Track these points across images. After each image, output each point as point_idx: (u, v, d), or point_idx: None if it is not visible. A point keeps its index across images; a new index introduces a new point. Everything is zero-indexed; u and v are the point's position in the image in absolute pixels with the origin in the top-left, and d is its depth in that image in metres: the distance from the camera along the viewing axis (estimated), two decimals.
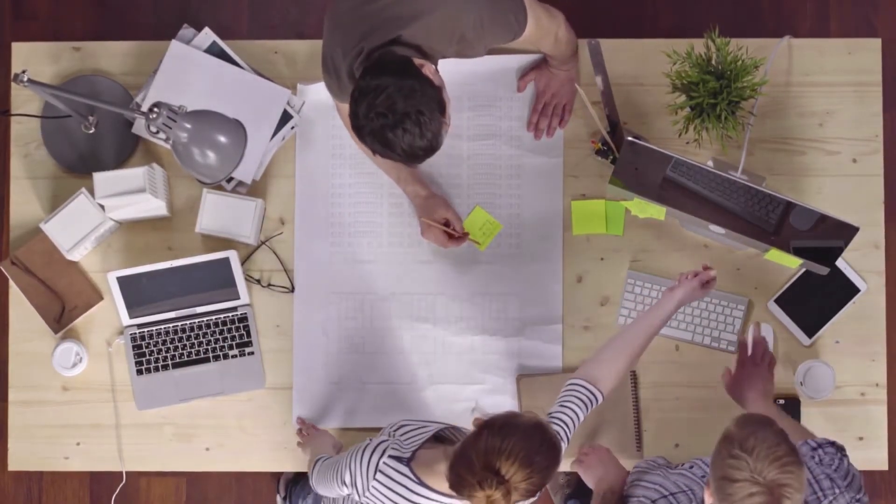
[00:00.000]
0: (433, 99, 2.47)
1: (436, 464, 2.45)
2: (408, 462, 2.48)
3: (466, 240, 2.97)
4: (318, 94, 3.04)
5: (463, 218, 3.02)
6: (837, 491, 2.47)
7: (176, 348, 2.99)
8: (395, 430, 2.57)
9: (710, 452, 2.97)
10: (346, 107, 2.68)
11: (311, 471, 2.73)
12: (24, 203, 3.04)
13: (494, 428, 2.31)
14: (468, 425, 2.98)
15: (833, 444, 2.54)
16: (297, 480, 3.50)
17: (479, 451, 2.29)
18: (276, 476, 3.57)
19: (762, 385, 2.80)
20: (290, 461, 3.00)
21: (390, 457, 2.48)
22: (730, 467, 2.25)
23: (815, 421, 2.98)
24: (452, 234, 2.95)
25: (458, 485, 2.31)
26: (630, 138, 2.73)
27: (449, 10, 2.55)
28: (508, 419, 2.33)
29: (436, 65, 2.60)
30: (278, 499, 3.53)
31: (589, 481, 2.79)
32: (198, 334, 3.00)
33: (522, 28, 2.66)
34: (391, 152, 2.49)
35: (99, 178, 2.89)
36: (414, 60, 2.49)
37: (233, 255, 2.96)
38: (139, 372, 2.99)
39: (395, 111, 2.44)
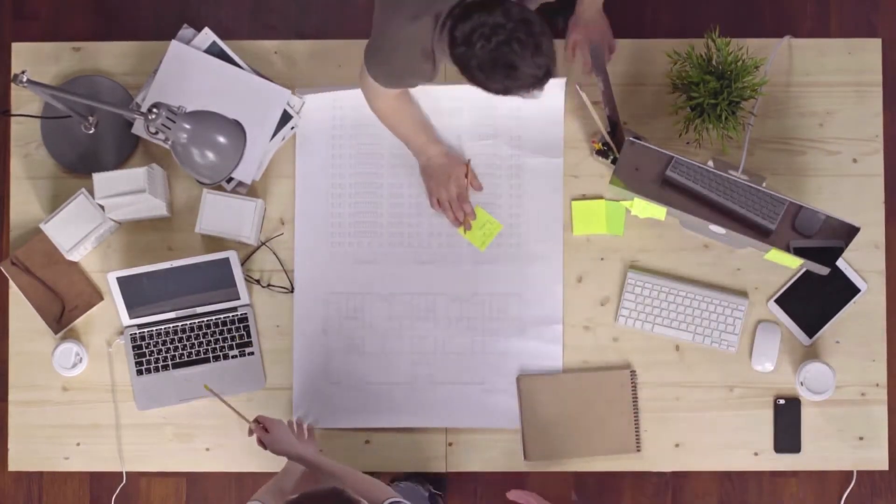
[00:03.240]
0: (533, 13, 2.37)
1: None
2: None
3: (470, 223, 2.99)
4: (317, 94, 3.03)
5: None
6: None
7: (176, 348, 2.99)
8: None
9: (707, 452, 2.97)
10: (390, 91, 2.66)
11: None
12: (24, 203, 3.04)
13: None
14: (467, 425, 2.98)
15: None
16: None
17: None
18: None
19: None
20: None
21: None
22: None
23: (816, 421, 2.98)
24: (459, 221, 2.97)
25: None
26: (630, 138, 2.73)
27: None
28: (299, 498, 2.22)
29: None
30: None
31: None
32: (198, 334, 3.00)
33: None
34: (514, 75, 2.35)
35: (99, 178, 2.89)
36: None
37: (233, 256, 2.96)
38: (139, 372, 2.99)
39: (502, 26, 2.32)
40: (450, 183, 2.97)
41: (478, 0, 2.41)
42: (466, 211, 2.99)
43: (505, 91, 2.40)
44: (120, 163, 3.04)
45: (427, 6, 2.50)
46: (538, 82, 2.40)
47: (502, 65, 2.35)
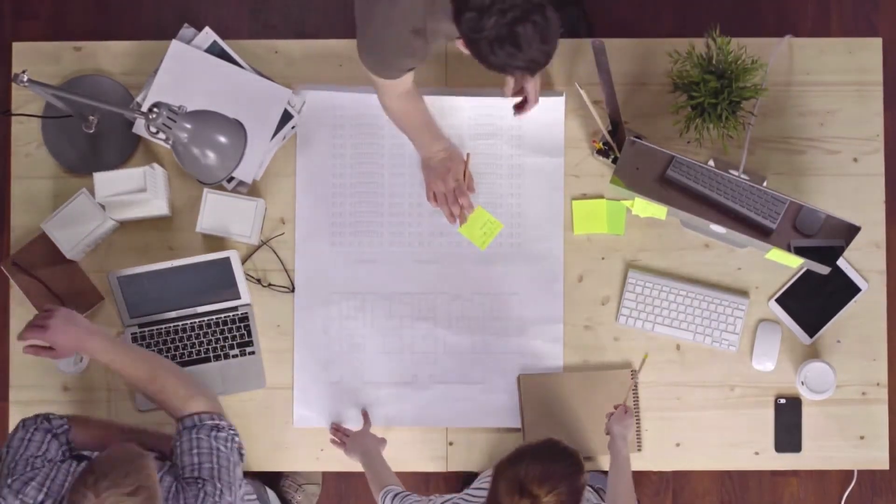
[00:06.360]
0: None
1: None
2: None
3: (467, 217, 2.99)
4: (317, 93, 3.03)
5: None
6: None
7: (177, 348, 2.99)
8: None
9: (708, 452, 2.97)
10: (391, 82, 2.66)
11: (381, 498, 2.74)
12: (24, 203, 3.04)
13: (505, 463, 2.38)
14: (468, 425, 2.98)
15: None
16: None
17: (506, 482, 2.34)
18: (278, 475, 3.57)
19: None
20: (289, 461, 3.00)
21: None
22: (76, 502, 2.25)
23: (816, 420, 2.98)
24: (455, 215, 2.97)
25: None
26: (631, 138, 2.73)
27: None
28: (515, 452, 2.39)
29: None
30: None
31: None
32: (198, 334, 3.00)
33: None
34: (517, 55, 2.34)
35: (99, 178, 2.89)
36: None
37: (233, 255, 2.96)
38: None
39: (519, 5, 2.30)
40: (448, 177, 2.97)
41: None
42: (462, 205, 2.98)
43: (501, 68, 2.38)
44: (121, 162, 3.04)
45: None
46: (536, 67, 2.39)
47: (510, 42, 2.33)
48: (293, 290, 3.02)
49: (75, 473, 2.43)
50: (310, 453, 3.00)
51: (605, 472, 2.97)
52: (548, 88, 3.04)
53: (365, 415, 2.97)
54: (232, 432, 2.56)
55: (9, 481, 2.40)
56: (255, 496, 2.83)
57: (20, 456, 2.43)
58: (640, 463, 2.99)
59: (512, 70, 2.39)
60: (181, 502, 2.43)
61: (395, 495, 2.71)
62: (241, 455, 2.57)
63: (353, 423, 2.99)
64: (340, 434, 2.95)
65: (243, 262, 3.02)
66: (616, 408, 2.88)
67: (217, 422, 2.56)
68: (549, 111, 3.01)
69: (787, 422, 2.98)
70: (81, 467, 2.44)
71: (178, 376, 2.62)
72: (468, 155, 3.00)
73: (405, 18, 2.51)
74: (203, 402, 2.59)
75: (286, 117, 3.02)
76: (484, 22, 2.32)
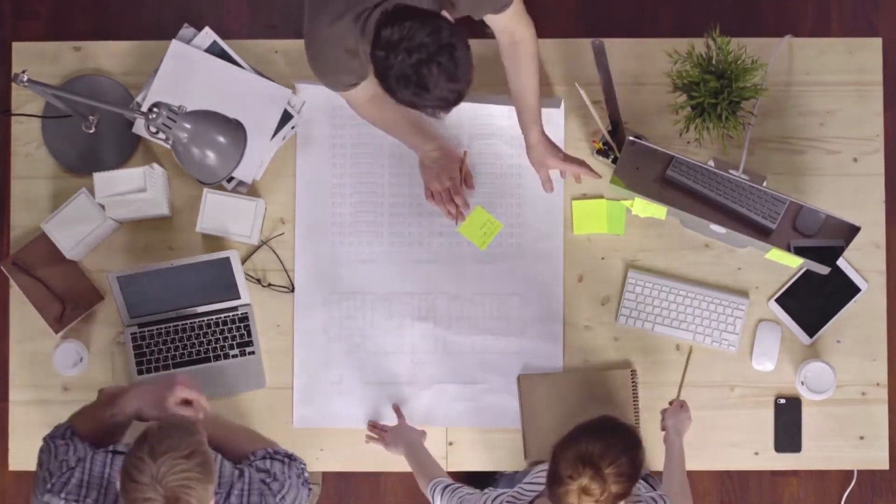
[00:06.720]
0: (461, 36, 2.38)
1: None
2: None
3: (465, 215, 2.99)
4: (317, 93, 3.04)
5: (464, 218, 3.02)
6: None
7: (177, 348, 2.99)
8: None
9: (708, 452, 2.97)
10: (354, 93, 2.69)
11: (430, 490, 2.75)
12: (24, 203, 3.04)
13: (563, 443, 2.41)
14: (468, 425, 2.98)
15: None
16: None
17: (567, 460, 2.38)
18: None
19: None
20: None
21: None
22: (133, 467, 2.27)
23: (816, 420, 2.98)
24: (451, 214, 2.97)
25: (552, 490, 2.39)
26: (631, 138, 2.73)
27: None
28: (573, 430, 2.43)
29: (446, 9, 2.56)
30: None
31: None
32: (198, 334, 3.00)
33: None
34: (424, 95, 2.38)
35: (99, 177, 2.89)
36: (429, 9, 2.44)
37: (233, 255, 2.96)
38: (140, 372, 2.99)
39: (426, 46, 2.34)
40: (442, 176, 2.97)
41: (413, 6, 2.43)
42: (458, 203, 2.98)
43: (412, 105, 2.43)
44: (120, 162, 3.03)
45: (347, 8, 2.50)
46: (447, 105, 2.43)
47: (415, 83, 2.38)
48: (293, 290, 3.02)
49: (110, 462, 2.46)
50: (310, 453, 3.00)
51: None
52: (547, 89, 3.04)
53: (397, 409, 2.98)
54: (303, 465, 2.58)
55: (48, 486, 2.44)
56: None
57: (51, 464, 2.48)
58: None
59: (422, 108, 2.43)
60: (245, 485, 2.48)
61: (445, 487, 2.71)
62: (307, 488, 2.59)
63: (354, 423, 2.99)
64: (378, 430, 2.96)
65: (243, 262, 3.02)
66: (671, 403, 2.89)
67: (289, 452, 2.58)
68: (548, 114, 3.01)
69: (787, 422, 2.98)
70: (117, 454, 2.47)
71: (241, 425, 2.67)
72: (465, 153, 3.00)
73: (340, 39, 2.54)
74: (268, 441, 2.64)
75: (286, 117, 3.02)
76: (391, 61, 2.36)
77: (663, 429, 2.87)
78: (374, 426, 2.97)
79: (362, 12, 2.48)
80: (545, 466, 2.54)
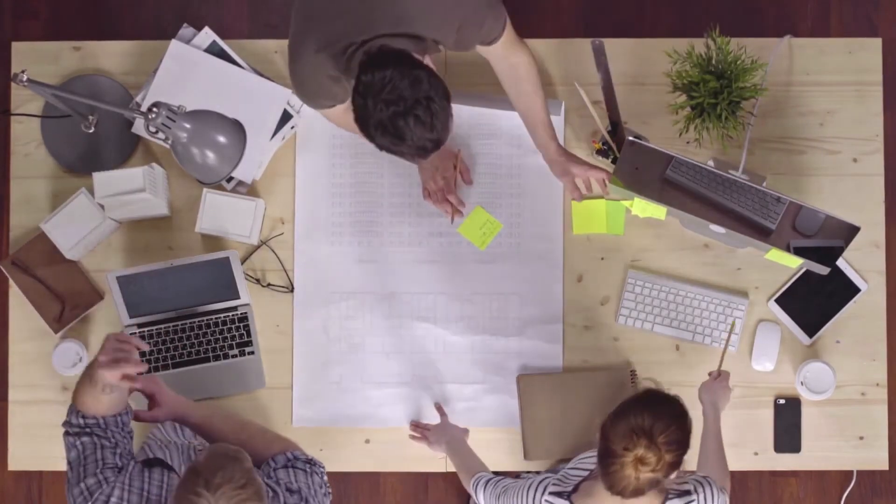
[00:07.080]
0: (440, 87, 2.42)
1: (596, 490, 2.52)
2: (569, 496, 2.56)
3: (462, 211, 3.00)
4: None
5: (463, 217, 3.02)
6: None
7: (176, 348, 2.99)
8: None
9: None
10: (334, 111, 2.71)
11: (472, 486, 2.76)
12: (24, 203, 3.04)
13: (612, 418, 2.43)
14: (468, 425, 2.98)
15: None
16: None
17: (618, 434, 2.40)
18: None
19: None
20: None
21: (551, 493, 2.58)
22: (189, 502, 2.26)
23: (816, 421, 2.98)
24: (447, 212, 2.97)
25: (606, 467, 2.41)
26: (631, 138, 2.73)
27: None
28: (619, 407, 2.46)
29: (433, 53, 2.58)
30: None
31: None
32: (198, 334, 3.00)
33: (501, 30, 2.65)
34: (401, 144, 2.42)
35: (99, 177, 2.89)
36: (413, 54, 2.47)
37: (233, 255, 2.96)
38: (139, 372, 2.99)
39: (404, 99, 2.38)
40: (437, 175, 2.97)
41: (396, 51, 2.44)
42: (452, 202, 2.98)
43: (388, 151, 2.46)
44: (120, 162, 3.03)
45: (327, 44, 2.52)
46: (423, 153, 2.46)
47: (391, 132, 2.41)
48: (292, 290, 3.02)
49: (149, 477, 2.44)
50: (309, 453, 2.99)
51: None
52: (547, 89, 3.04)
53: (439, 407, 2.99)
54: (322, 469, 2.58)
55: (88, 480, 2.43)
56: None
57: (87, 460, 2.46)
58: None
59: (400, 155, 2.46)
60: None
61: (488, 481, 2.73)
62: (328, 498, 2.58)
63: (355, 423, 2.99)
64: (421, 430, 2.97)
65: (243, 262, 3.02)
66: (710, 374, 2.89)
67: (310, 456, 2.57)
68: (549, 96, 3.01)
69: (787, 422, 2.98)
70: (161, 472, 2.45)
71: (256, 424, 2.65)
72: (459, 151, 3.00)
73: (324, 67, 2.56)
74: (285, 441, 2.61)
75: (286, 117, 3.02)
76: (369, 109, 2.39)
77: (701, 401, 2.88)
78: (416, 425, 2.98)
79: (349, 46, 2.51)
80: (591, 452, 2.59)
